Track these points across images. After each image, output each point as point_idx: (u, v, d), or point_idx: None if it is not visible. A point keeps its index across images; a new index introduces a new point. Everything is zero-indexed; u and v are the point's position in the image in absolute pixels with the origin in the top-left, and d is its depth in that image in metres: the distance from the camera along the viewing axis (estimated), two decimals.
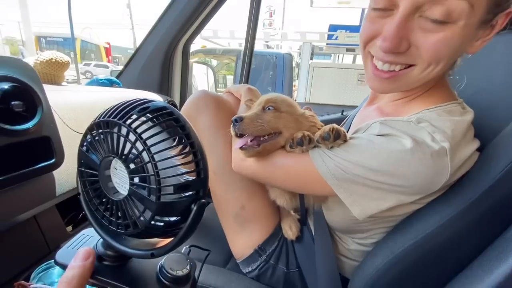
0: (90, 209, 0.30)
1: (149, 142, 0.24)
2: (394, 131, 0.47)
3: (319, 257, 0.63)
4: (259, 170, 0.59)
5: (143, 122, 0.26)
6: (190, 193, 0.26)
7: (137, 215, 0.25)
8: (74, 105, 0.74)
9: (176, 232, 0.27)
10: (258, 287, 0.68)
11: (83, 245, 0.33)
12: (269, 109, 0.58)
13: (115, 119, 0.26)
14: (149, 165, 0.24)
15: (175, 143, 0.26)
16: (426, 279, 0.50)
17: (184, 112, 0.74)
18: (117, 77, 1.31)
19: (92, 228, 0.33)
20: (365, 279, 0.54)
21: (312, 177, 0.51)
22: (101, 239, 0.31)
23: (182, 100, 1.44)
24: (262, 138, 0.56)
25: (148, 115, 0.27)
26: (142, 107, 0.27)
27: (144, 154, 0.24)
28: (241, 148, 0.55)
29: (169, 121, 0.27)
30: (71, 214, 0.81)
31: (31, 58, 0.83)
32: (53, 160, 0.58)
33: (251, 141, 0.55)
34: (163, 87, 1.35)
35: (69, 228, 0.78)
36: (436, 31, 0.43)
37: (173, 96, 1.39)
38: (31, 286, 0.50)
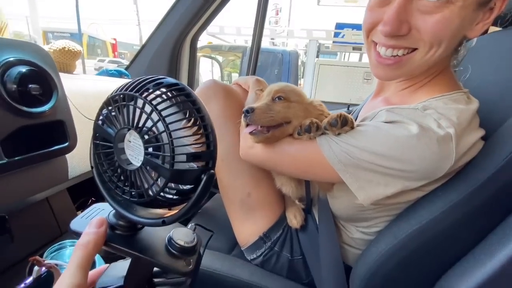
0: (103, 181, 0.32)
1: (163, 113, 0.26)
2: (401, 117, 0.48)
3: (323, 245, 0.63)
4: (267, 157, 0.60)
5: (157, 96, 0.27)
6: (201, 163, 0.27)
7: (151, 183, 0.27)
8: (86, 93, 0.76)
9: (186, 201, 0.28)
10: (262, 273, 0.69)
11: (96, 216, 0.34)
12: (279, 98, 0.59)
13: (131, 92, 0.27)
14: (163, 134, 0.25)
15: (186, 116, 0.28)
16: (429, 265, 0.51)
17: None
18: (126, 69, 1.34)
19: (103, 203, 0.34)
20: (368, 265, 0.54)
21: (319, 163, 0.52)
22: (113, 211, 0.33)
23: None
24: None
25: (161, 90, 0.28)
26: (156, 83, 0.28)
27: (160, 124, 0.26)
28: (251, 133, 0.57)
29: (181, 96, 0.28)
30: (81, 200, 0.84)
31: (45, 47, 0.86)
32: (66, 144, 0.60)
33: (261, 127, 0.57)
34: None
35: (79, 213, 0.81)
36: (435, 12, 0.44)
37: None
38: (45, 262, 0.52)
